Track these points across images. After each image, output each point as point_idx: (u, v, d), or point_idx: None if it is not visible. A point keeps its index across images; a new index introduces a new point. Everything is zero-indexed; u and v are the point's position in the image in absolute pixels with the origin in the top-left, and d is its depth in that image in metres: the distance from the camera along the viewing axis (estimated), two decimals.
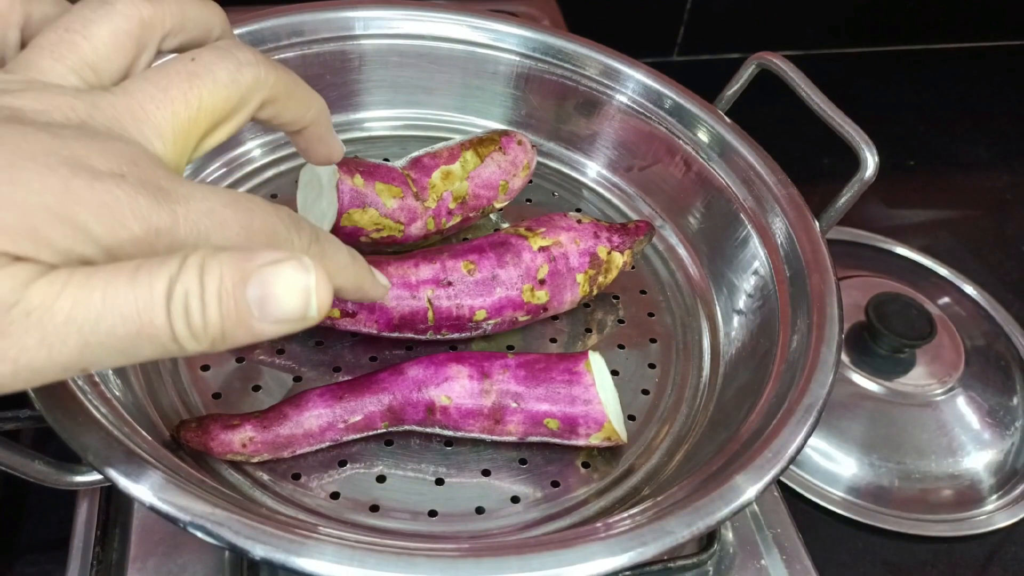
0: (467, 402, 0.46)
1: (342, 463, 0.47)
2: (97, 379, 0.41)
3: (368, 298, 0.37)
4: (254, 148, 0.61)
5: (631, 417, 0.52)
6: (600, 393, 0.46)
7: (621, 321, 0.57)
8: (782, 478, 0.54)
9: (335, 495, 0.45)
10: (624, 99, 0.63)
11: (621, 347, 0.55)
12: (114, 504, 0.50)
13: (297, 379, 0.50)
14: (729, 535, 0.53)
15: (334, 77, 0.63)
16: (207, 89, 0.30)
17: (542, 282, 0.51)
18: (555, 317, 0.56)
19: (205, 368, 0.50)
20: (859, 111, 0.55)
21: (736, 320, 0.56)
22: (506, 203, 0.58)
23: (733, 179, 0.58)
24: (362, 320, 0.50)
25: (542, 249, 0.51)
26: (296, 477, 0.46)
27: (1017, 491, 0.68)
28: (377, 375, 0.47)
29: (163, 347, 0.25)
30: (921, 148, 1.03)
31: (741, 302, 0.56)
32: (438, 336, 0.51)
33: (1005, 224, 0.95)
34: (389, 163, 0.54)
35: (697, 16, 1.03)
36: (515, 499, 0.47)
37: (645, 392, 0.53)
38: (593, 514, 0.47)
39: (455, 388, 0.46)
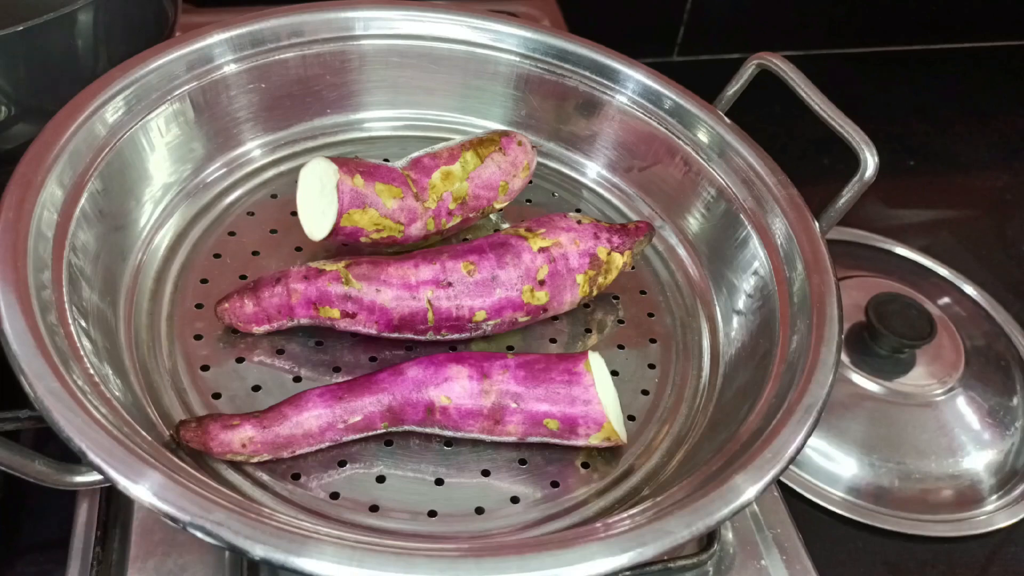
0: (467, 402, 0.46)
1: (342, 463, 0.47)
2: (97, 379, 0.41)
3: None
4: (254, 148, 0.61)
5: (631, 417, 0.52)
6: (600, 393, 0.46)
7: (621, 321, 0.57)
8: (782, 478, 0.54)
9: (335, 495, 0.45)
10: (624, 99, 0.63)
11: (621, 347, 0.55)
12: (114, 504, 0.51)
13: (297, 379, 0.50)
14: (729, 535, 0.53)
15: (334, 77, 0.63)
16: None
17: (542, 283, 0.51)
18: (555, 317, 0.56)
19: (205, 368, 0.50)
20: (859, 111, 0.55)
21: (736, 320, 0.56)
22: (506, 203, 0.58)
23: (733, 179, 0.58)
24: (362, 321, 0.50)
25: (542, 250, 0.51)
26: (296, 477, 0.46)
27: (1017, 491, 0.68)
28: (377, 375, 0.47)
29: None
30: (921, 148, 1.03)
31: (741, 302, 0.56)
32: (438, 337, 0.51)
33: (1005, 224, 0.95)
34: (389, 163, 0.54)
35: (697, 16, 1.03)
36: (515, 499, 0.47)
37: (645, 392, 0.53)
38: (593, 514, 0.47)
39: (455, 388, 0.46)
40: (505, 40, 0.63)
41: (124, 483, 0.36)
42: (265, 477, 0.45)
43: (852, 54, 1.13)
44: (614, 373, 0.53)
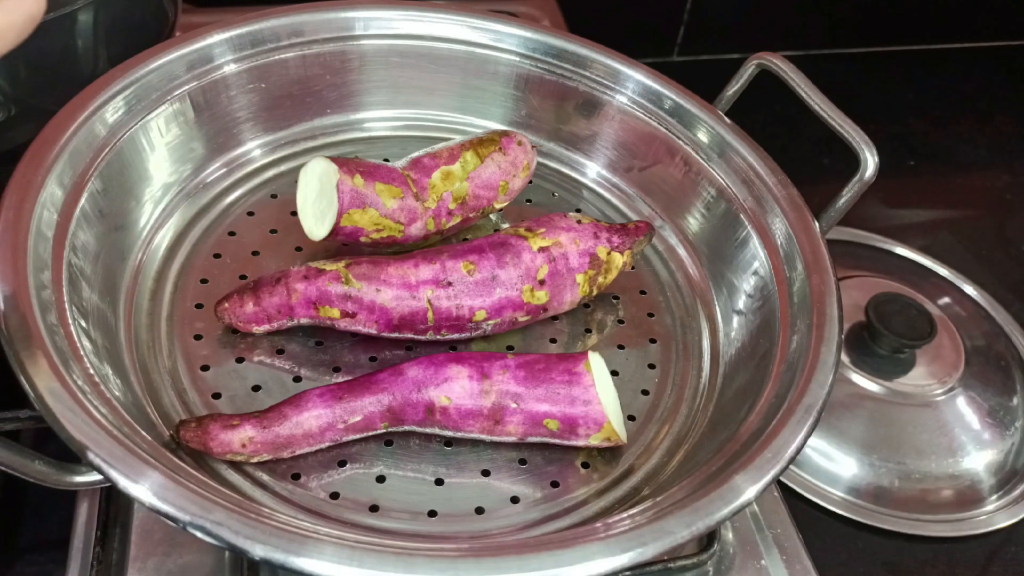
0: (467, 402, 0.46)
1: (342, 463, 0.47)
2: (97, 379, 0.41)
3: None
4: (254, 148, 0.61)
5: (631, 417, 0.52)
6: (600, 393, 0.46)
7: (621, 321, 0.57)
8: (782, 478, 0.54)
9: (335, 495, 0.45)
10: (624, 99, 0.63)
11: (621, 347, 0.55)
12: (114, 504, 0.51)
13: (297, 379, 0.50)
14: (729, 535, 0.53)
15: (334, 77, 0.63)
16: None
17: (542, 282, 0.51)
18: (555, 317, 0.56)
19: (205, 368, 0.50)
20: (859, 111, 0.55)
21: (736, 320, 0.56)
22: (506, 203, 0.58)
23: (733, 179, 0.59)
24: (362, 320, 0.50)
25: (542, 249, 0.51)
26: (296, 477, 0.46)
27: (1017, 491, 0.68)
28: (377, 375, 0.47)
29: None
30: (921, 148, 1.03)
31: (741, 302, 0.56)
32: (438, 336, 0.51)
33: (1005, 224, 0.95)
34: (389, 163, 0.54)
35: (697, 16, 1.03)
36: (515, 499, 0.47)
37: (645, 392, 0.53)
38: (593, 514, 0.47)
39: (455, 388, 0.46)
40: (505, 40, 0.63)
41: (124, 483, 0.36)
42: (265, 477, 0.45)
43: (852, 54, 1.13)
44: (614, 373, 0.53)
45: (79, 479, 0.39)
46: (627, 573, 0.39)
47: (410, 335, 0.51)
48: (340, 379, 0.49)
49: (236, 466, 0.45)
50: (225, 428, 0.44)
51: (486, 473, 0.48)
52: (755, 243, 0.56)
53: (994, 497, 0.68)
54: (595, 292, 0.54)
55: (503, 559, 0.36)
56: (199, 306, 0.52)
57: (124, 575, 0.46)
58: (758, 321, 0.54)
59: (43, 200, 0.46)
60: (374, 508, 0.45)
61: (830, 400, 0.45)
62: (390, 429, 0.47)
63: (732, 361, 0.54)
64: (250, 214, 0.58)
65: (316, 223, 0.53)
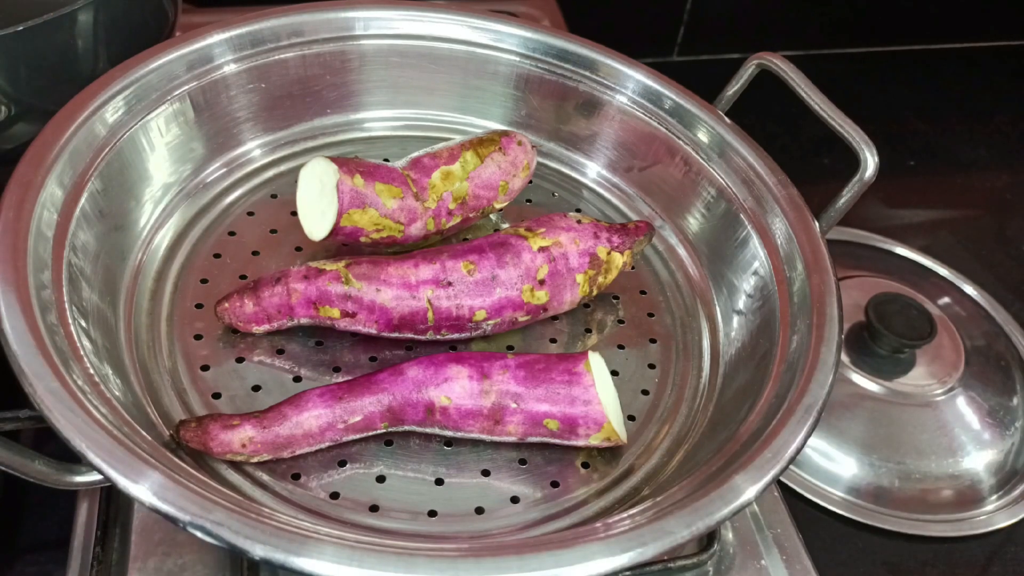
0: (467, 402, 0.46)
1: (342, 463, 0.47)
2: (97, 379, 0.41)
3: None
4: (254, 148, 0.61)
5: (631, 417, 0.52)
6: (600, 394, 0.46)
7: (621, 321, 0.57)
8: (782, 478, 0.54)
9: (335, 495, 0.45)
10: (624, 99, 0.63)
11: (621, 347, 0.55)
12: (114, 504, 0.51)
13: (297, 379, 0.50)
14: (729, 535, 0.53)
15: (334, 77, 0.63)
16: None
17: (542, 282, 0.51)
18: (555, 317, 0.56)
19: (205, 368, 0.50)
20: (859, 111, 0.55)
21: (736, 320, 0.56)
22: (506, 203, 0.58)
23: (733, 179, 0.59)
24: (362, 320, 0.50)
25: (542, 249, 0.51)
26: (296, 477, 0.46)
27: (1017, 491, 0.68)
28: (377, 375, 0.47)
29: None
30: (921, 148, 1.03)
31: (741, 302, 0.56)
32: (438, 336, 0.51)
33: (1005, 224, 0.95)
34: (389, 163, 0.54)
35: (697, 16, 1.03)
36: (515, 499, 0.47)
37: (645, 392, 0.53)
38: (593, 514, 0.47)
39: (455, 388, 0.46)
40: (505, 40, 0.63)
41: (124, 483, 0.36)
42: (265, 477, 0.45)
43: (852, 54, 1.13)
44: (614, 373, 0.53)
45: (79, 479, 0.39)
46: (627, 573, 0.39)
47: (410, 335, 0.51)
48: (340, 379, 0.49)
49: (236, 466, 0.45)
50: (225, 428, 0.44)
51: (486, 473, 0.48)
52: (755, 243, 0.56)
53: (994, 497, 0.68)
54: (595, 292, 0.54)
55: (503, 559, 0.36)
56: (199, 306, 0.52)
57: (124, 575, 0.46)
58: (758, 321, 0.54)
59: (43, 200, 0.46)
60: (374, 508, 0.45)
61: (830, 400, 0.45)
62: (390, 429, 0.47)
63: (732, 361, 0.54)
64: (250, 214, 0.58)
65: (316, 223, 0.53)
